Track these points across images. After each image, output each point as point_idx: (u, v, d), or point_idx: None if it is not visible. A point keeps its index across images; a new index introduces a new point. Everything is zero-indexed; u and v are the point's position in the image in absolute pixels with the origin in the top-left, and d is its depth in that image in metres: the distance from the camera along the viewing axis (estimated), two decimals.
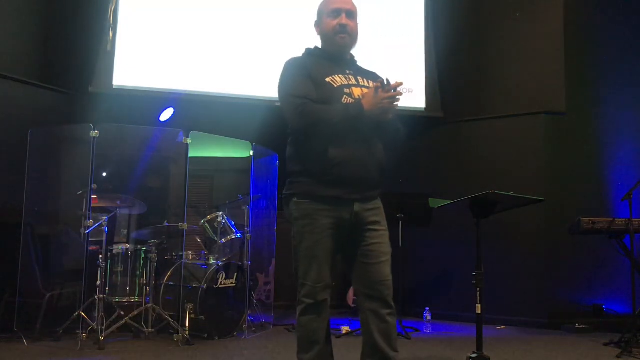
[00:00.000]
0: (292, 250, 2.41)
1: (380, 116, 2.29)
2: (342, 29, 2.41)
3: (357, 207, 2.34)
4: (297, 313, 2.38)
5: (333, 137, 2.29)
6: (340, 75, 2.41)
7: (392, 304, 2.37)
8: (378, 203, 2.43)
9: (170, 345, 4.02)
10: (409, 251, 5.09)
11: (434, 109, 5.88)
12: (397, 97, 2.27)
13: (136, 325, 4.18)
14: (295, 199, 2.37)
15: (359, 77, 2.46)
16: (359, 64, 2.57)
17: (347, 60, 2.51)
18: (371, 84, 2.44)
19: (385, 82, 2.28)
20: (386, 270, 2.36)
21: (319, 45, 2.54)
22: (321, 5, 2.51)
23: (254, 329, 4.63)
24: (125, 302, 4.34)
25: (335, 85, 2.37)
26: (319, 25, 2.51)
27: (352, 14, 2.45)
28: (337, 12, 2.43)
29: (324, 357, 2.39)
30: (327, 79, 2.38)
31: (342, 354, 3.88)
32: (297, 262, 2.37)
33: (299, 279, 2.36)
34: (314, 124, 2.29)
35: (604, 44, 5.44)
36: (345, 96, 2.37)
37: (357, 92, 2.39)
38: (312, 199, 2.33)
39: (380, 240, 2.38)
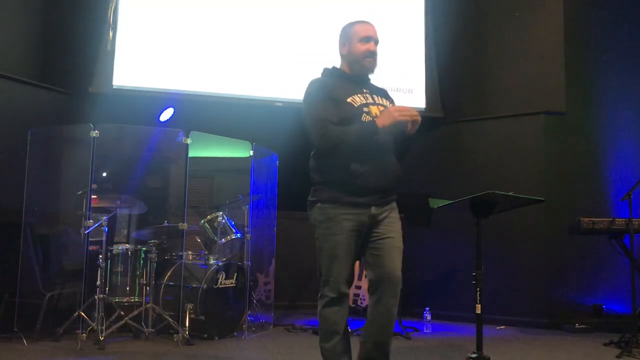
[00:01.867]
0: (316, 251, 2.66)
1: (397, 129, 2.54)
2: (371, 54, 2.69)
3: (374, 210, 2.61)
4: (320, 306, 2.63)
5: (353, 153, 2.54)
6: (359, 95, 2.66)
7: (398, 294, 2.61)
8: (393, 204, 2.72)
9: (170, 345, 4.02)
10: (409, 251, 5.05)
11: (434, 109, 5.88)
12: (410, 113, 2.51)
13: (136, 325, 4.17)
14: (319, 204, 2.64)
15: (374, 96, 2.71)
16: (371, 82, 2.81)
17: (364, 80, 2.76)
18: (384, 101, 2.73)
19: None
20: (396, 262, 2.62)
21: (337, 65, 2.78)
22: (351, 29, 2.74)
23: (253, 329, 4.63)
24: (125, 302, 4.34)
25: (356, 105, 2.62)
26: (346, 46, 2.73)
27: (378, 43, 2.73)
28: (368, 39, 2.69)
29: (343, 346, 2.63)
30: (348, 99, 2.62)
31: None
32: (320, 261, 2.64)
33: (322, 277, 2.62)
34: (334, 145, 2.55)
35: (604, 44, 5.44)
36: (364, 114, 2.61)
37: (374, 110, 2.64)
38: (335, 204, 2.60)
39: (392, 235, 2.64)
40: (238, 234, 4.69)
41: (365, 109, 2.62)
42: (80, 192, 4.25)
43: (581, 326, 4.88)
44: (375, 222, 2.63)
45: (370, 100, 2.67)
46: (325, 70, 2.78)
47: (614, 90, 5.39)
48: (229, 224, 4.71)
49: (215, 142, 5.02)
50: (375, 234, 2.63)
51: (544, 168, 5.29)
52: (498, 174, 5.38)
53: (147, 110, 5.30)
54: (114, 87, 5.20)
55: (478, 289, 3.08)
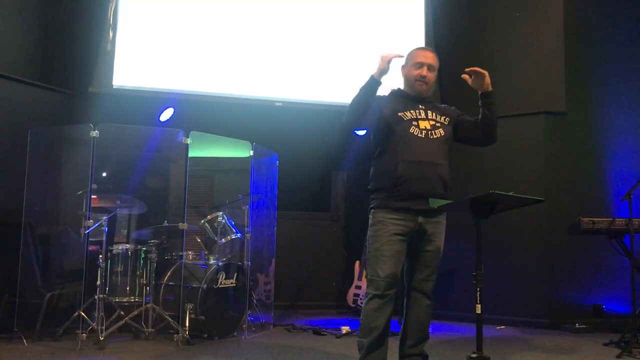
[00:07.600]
0: (366, 254, 2.93)
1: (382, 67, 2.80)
2: (422, 79, 2.95)
3: (421, 219, 2.83)
4: (363, 304, 2.86)
5: (402, 159, 2.79)
6: (412, 111, 2.92)
7: (432, 297, 2.95)
8: (441, 218, 2.92)
9: (170, 345, 4.02)
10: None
11: None
12: (393, 53, 2.81)
13: (136, 325, 4.18)
14: (372, 210, 2.89)
15: (429, 111, 2.96)
16: (435, 103, 3.10)
17: (421, 100, 3.00)
18: (438, 117, 2.96)
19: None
20: (433, 274, 2.93)
21: (401, 86, 3.07)
22: (410, 53, 3.05)
23: (254, 329, 4.63)
24: (125, 302, 4.34)
25: (405, 119, 2.89)
26: (404, 69, 3.04)
27: (432, 67, 2.98)
28: (421, 65, 2.96)
29: (380, 343, 2.82)
30: (399, 114, 2.90)
31: (342, 354, 3.88)
32: (368, 262, 2.88)
33: (368, 275, 2.85)
34: (351, 112, 2.80)
35: (604, 44, 5.43)
36: (413, 127, 2.88)
37: (423, 123, 2.90)
38: (385, 209, 2.82)
39: (434, 249, 2.90)
40: (238, 234, 4.69)
41: (414, 123, 2.87)
42: (80, 192, 4.25)
43: (581, 326, 4.88)
44: (422, 231, 2.84)
45: (422, 115, 2.91)
46: (392, 90, 3.07)
47: (614, 90, 5.38)
48: (229, 224, 4.71)
49: (215, 142, 5.02)
50: (421, 246, 2.87)
51: (544, 168, 5.29)
52: (498, 174, 5.37)
53: (147, 110, 5.30)
54: (114, 87, 5.20)
55: (478, 289, 3.08)
